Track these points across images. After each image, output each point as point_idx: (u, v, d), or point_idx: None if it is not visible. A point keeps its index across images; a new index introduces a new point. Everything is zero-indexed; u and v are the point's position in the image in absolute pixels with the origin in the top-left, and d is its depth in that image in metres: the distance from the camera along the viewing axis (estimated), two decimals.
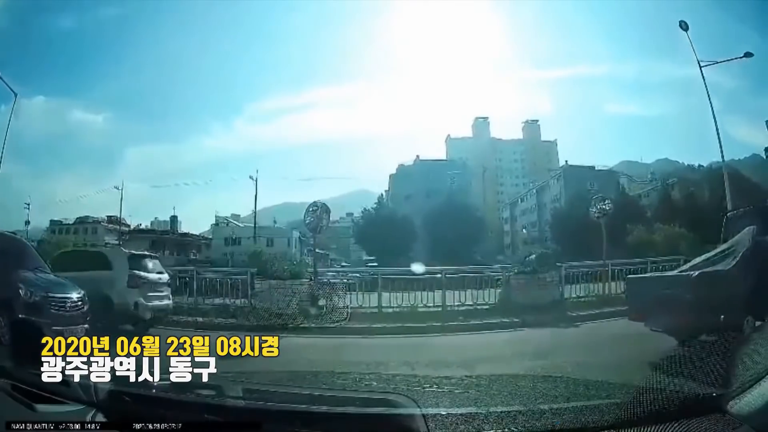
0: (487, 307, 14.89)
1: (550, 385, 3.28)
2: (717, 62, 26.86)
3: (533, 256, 16.28)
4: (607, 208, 19.23)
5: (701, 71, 25.42)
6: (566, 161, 60.24)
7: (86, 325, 9.03)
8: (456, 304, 14.92)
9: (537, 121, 77.43)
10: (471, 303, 14.98)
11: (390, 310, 14.64)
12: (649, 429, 2.13)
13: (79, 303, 9.42)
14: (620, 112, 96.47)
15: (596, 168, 56.12)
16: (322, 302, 14.52)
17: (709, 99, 25.87)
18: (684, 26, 25.89)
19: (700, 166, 58.22)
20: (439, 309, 14.61)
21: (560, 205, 51.78)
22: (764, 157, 44.99)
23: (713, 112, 25.82)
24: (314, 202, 17.36)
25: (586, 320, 13.39)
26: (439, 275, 15.77)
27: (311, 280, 15.40)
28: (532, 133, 75.44)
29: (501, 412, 2.37)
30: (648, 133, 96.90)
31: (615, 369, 6.16)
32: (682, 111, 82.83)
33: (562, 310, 14.39)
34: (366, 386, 3.37)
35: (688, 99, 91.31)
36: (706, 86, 25.81)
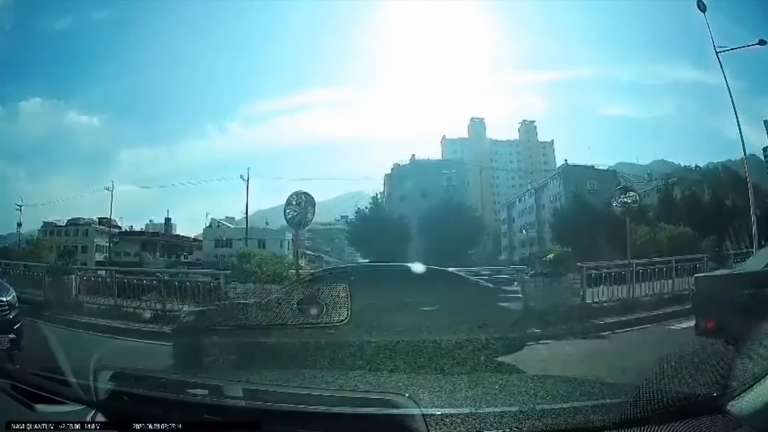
0: None
1: (550, 385, 3.29)
2: (732, 48, 26.23)
3: (551, 256, 14.45)
4: (631, 201, 16.85)
5: (717, 57, 24.90)
6: (566, 160, 60.35)
7: (13, 335, 7.57)
8: None
9: (533, 121, 77.66)
10: None
11: None
12: (649, 429, 2.14)
13: (6, 308, 7.82)
14: (616, 114, 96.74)
15: (595, 167, 56.24)
16: (305, 309, 12.60)
17: (728, 86, 25.47)
18: (701, 7, 24.89)
19: (697, 166, 58.64)
20: None
21: (560, 204, 51.73)
22: (762, 157, 45.15)
23: (732, 100, 25.31)
24: (296, 192, 14.91)
25: (616, 329, 11.84)
26: None
27: (293, 283, 12.80)
28: (528, 134, 75.58)
29: (501, 412, 2.38)
30: (643, 135, 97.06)
31: None
32: (677, 112, 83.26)
33: (587, 318, 12.73)
34: (366, 386, 3.37)
35: (684, 101, 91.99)
36: (723, 72, 25.33)
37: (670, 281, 14.98)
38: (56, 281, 15.42)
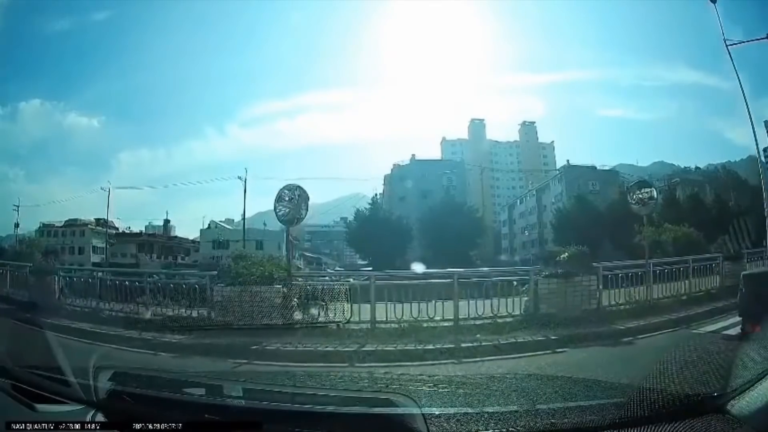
0: (510, 319, 11.74)
1: (550, 385, 3.29)
2: (742, 42, 25.98)
3: (565, 255, 13.17)
4: (646, 197, 15.24)
5: (728, 50, 24.72)
6: (567, 161, 60.13)
7: None
8: (471, 316, 11.76)
9: (533, 122, 77.69)
10: (490, 315, 11.79)
11: (387, 325, 11.52)
12: (649, 429, 2.14)
13: None
14: (616, 116, 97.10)
15: (597, 168, 56.05)
16: (297, 314, 11.73)
17: (739, 80, 25.28)
18: None
19: (697, 167, 58.69)
20: (450, 324, 11.53)
21: (563, 205, 51.45)
22: (763, 158, 45.19)
23: (743, 94, 25.07)
24: (287, 185, 13.42)
25: (637, 334, 10.80)
26: (449, 279, 12.54)
27: (284, 285, 12.06)
28: (528, 135, 75.63)
29: (501, 412, 2.38)
30: (643, 137, 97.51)
31: None
32: (677, 114, 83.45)
33: (604, 322, 11.71)
34: (366, 386, 3.37)
35: (683, 103, 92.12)
36: (734, 65, 25.16)
37: (687, 282, 14.36)
38: (39, 282, 14.74)
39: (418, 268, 15.19)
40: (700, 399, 2.28)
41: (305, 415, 2.44)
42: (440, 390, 3.15)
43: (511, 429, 2.23)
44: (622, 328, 11.29)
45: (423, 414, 2.30)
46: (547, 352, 9.62)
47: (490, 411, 2.40)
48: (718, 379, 2.37)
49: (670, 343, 9.57)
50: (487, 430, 2.23)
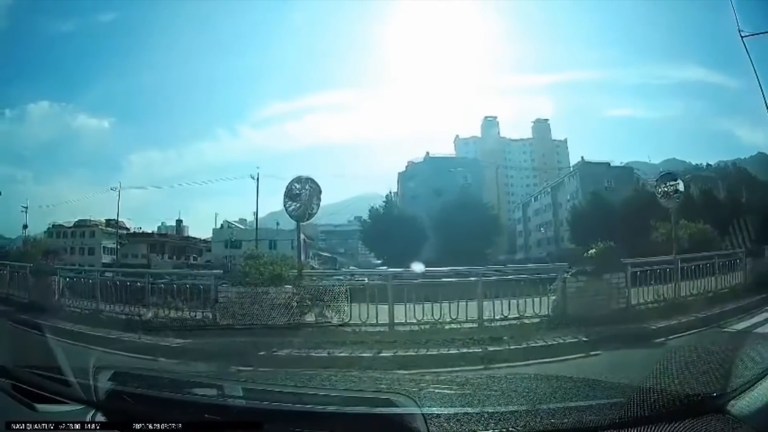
0: (537, 320, 11.10)
1: (550, 385, 3.26)
2: (759, 33, 25.68)
3: (593, 251, 12.58)
4: (671, 190, 14.49)
5: (743, 42, 24.48)
6: (582, 157, 59.47)
7: None
8: (496, 317, 11.19)
9: (547, 119, 76.99)
10: (516, 316, 11.20)
11: (406, 327, 10.90)
12: (649, 429, 2.12)
13: None
14: (628, 114, 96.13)
15: (611, 165, 55.51)
16: (309, 316, 11.19)
17: (757, 75, 25.08)
18: None
19: (708, 164, 58.09)
20: (474, 325, 10.96)
21: (578, 202, 50.99)
22: None
23: (761, 86, 24.87)
24: (297, 178, 12.67)
25: (669, 334, 10.20)
26: (472, 278, 12.01)
27: (295, 286, 11.43)
28: (541, 132, 75.06)
29: (501, 412, 2.37)
30: (655, 134, 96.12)
31: None
32: (686, 113, 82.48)
33: (635, 322, 11.17)
34: (366, 386, 3.37)
35: (693, 100, 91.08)
36: (750, 57, 24.90)
37: (712, 279, 13.87)
38: (39, 282, 14.48)
39: (434, 266, 14.63)
40: (700, 399, 2.26)
41: (306, 415, 2.45)
42: (440, 390, 3.15)
43: (511, 429, 2.22)
44: (653, 328, 10.79)
45: (423, 414, 2.30)
46: (581, 355, 9.03)
47: (490, 411, 2.39)
48: (718, 378, 2.36)
49: (704, 343, 9.13)
50: (487, 430, 2.23)
